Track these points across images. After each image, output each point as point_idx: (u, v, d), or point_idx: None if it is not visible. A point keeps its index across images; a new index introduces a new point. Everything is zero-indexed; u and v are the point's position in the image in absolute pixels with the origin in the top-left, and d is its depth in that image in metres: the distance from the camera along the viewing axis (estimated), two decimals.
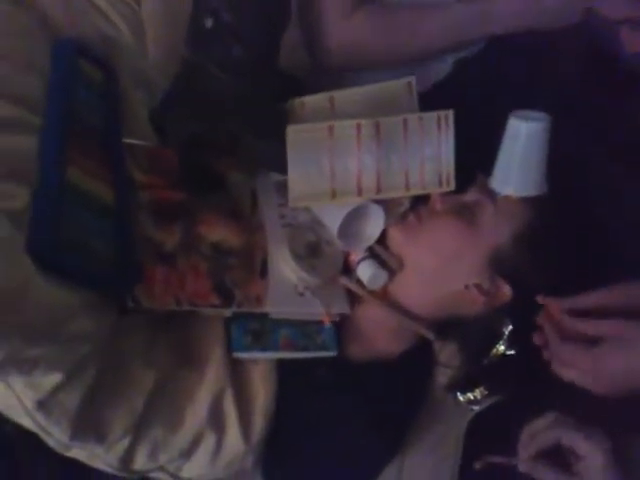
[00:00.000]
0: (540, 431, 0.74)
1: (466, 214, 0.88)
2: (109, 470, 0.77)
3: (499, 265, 0.87)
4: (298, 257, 0.86)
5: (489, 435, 0.90)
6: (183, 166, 0.90)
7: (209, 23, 0.91)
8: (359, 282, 0.89)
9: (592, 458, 0.70)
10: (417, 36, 0.98)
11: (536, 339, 0.78)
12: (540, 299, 0.79)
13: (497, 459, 0.78)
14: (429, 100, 0.96)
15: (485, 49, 1.04)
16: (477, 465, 0.80)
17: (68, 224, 0.73)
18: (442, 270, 0.88)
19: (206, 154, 0.92)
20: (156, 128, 0.91)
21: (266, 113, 0.93)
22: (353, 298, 0.90)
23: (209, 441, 0.79)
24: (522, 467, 0.74)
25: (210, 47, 0.91)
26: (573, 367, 0.73)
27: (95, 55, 0.89)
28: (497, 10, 0.97)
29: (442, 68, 1.06)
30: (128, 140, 0.87)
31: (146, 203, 0.84)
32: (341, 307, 0.88)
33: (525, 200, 0.88)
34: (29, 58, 0.80)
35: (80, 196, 0.77)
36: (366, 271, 0.88)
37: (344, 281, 0.89)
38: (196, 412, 0.79)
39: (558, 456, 0.73)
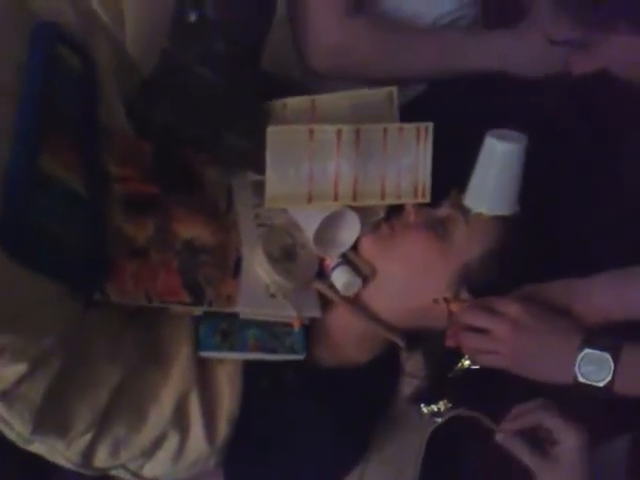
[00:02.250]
0: (526, 411, 0.78)
1: (438, 229, 0.88)
2: (69, 466, 0.75)
3: (467, 280, 0.88)
4: (273, 260, 0.86)
5: (450, 446, 0.91)
6: (159, 159, 0.88)
7: (193, 17, 0.90)
8: (332, 287, 0.89)
9: (569, 443, 0.74)
10: (416, 56, 0.99)
11: (448, 342, 0.84)
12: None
13: (478, 415, 0.82)
14: (408, 112, 0.96)
15: None
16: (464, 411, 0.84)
17: (37, 212, 0.71)
18: (412, 282, 0.89)
19: (183, 149, 0.91)
20: (133, 118, 0.89)
21: (246, 111, 0.93)
22: (324, 302, 0.89)
23: (172, 441, 0.77)
24: (500, 438, 0.78)
25: (192, 42, 0.90)
26: (488, 354, 0.79)
27: (73, 41, 0.87)
28: (486, 44, 0.98)
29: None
30: (104, 131, 0.85)
31: (119, 196, 0.82)
32: (312, 311, 0.88)
33: (497, 218, 0.89)
34: (5, 43, 0.78)
35: (51, 185, 0.75)
36: (341, 277, 0.88)
37: (318, 286, 0.88)
38: (160, 411, 0.77)
39: (535, 440, 0.77)
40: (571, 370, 0.75)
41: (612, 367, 0.74)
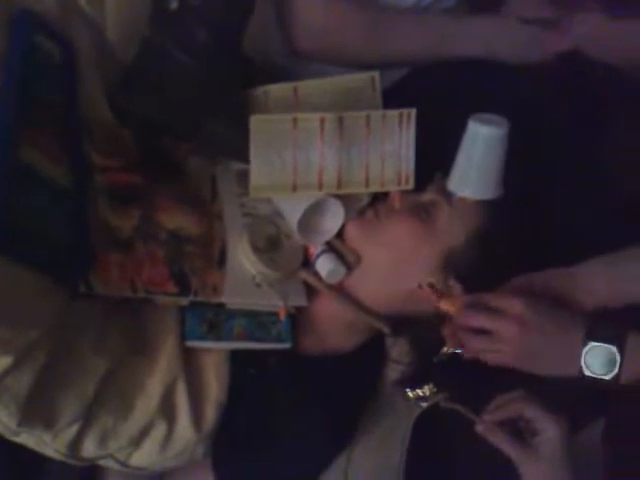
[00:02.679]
0: (506, 402, 0.79)
1: (422, 214, 0.89)
2: (57, 457, 0.75)
3: (453, 265, 0.88)
4: (258, 250, 0.86)
5: (436, 431, 0.92)
6: (142, 149, 0.88)
7: (174, 5, 0.90)
8: (317, 275, 0.89)
9: (549, 433, 0.75)
10: (396, 39, 0.98)
11: (450, 344, 0.83)
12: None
13: (459, 407, 0.82)
14: (390, 97, 0.96)
15: None
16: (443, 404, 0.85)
17: (20, 204, 0.71)
18: (397, 268, 0.89)
19: (166, 138, 0.90)
20: (115, 108, 0.89)
21: (228, 100, 0.92)
22: (310, 290, 0.90)
23: (159, 430, 0.78)
24: (480, 428, 0.78)
25: (174, 30, 0.90)
26: (492, 353, 0.78)
27: (53, 30, 0.86)
28: (471, 30, 0.97)
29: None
30: (85, 120, 0.84)
31: (103, 186, 0.82)
32: (298, 299, 0.88)
33: (481, 202, 0.89)
34: None
35: (34, 176, 0.74)
36: (325, 265, 0.88)
37: (303, 274, 0.89)
38: (147, 400, 0.77)
39: (516, 430, 0.77)
40: (577, 364, 0.75)
41: (619, 359, 0.74)
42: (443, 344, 0.89)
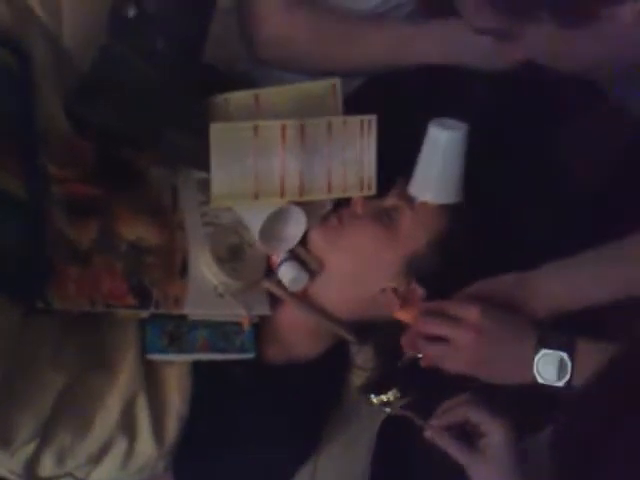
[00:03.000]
0: (452, 406, 0.80)
1: (384, 218, 0.89)
2: (12, 478, 0.74)
3: (416, 270, 0.89)
4: (220, 261, 0.85)
5: (400, 436, 0.92)
6: (100, 159, 0.86)
7: (131, 12, 0.88)
8: (280, 283, 0.89)
9: (494, 435, 0.76)
10: (355, 46, 0.97)
11: (406, 350, 0.83)
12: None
13: (410, 414, 0.83)
14: (351, 104, 0.96)
15: None
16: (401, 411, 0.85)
17: None
18: (360, 272, 0.89)
19: (125, 148, 0.89)
20: (72, 117, 0.87)
21: (188, 108, 0.91)
22: (273, 299, 0.89)
23: (120, 446, 0.77)
24: (428, 433, 0.79)
25: (131, 37, 0.88)
26: (448, 361, 0.79)
27: (7, 38, 0.85)
28: (429, 35, 0.96)
29: None
30: (42, 130, 0.83)
31: (60, 198, 0.80)
32: (261, 309, 0.88)
33: (442, 207, 0.90)
34: None
35: None
36: (288, 273, 0.88)
37: (266, 284, 0.88)
38: (107, 417, 0.77)
39: (463, 434, 0.79)
40: (530, 372, 0.76)
41: (569, 365, 0.75)
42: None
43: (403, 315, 0.85)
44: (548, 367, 0.75)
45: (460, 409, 0.79)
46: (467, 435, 0.78)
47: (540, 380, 0.75)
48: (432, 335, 0.80)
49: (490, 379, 0.78)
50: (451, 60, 0.97)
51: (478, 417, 0.77)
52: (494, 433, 0.75)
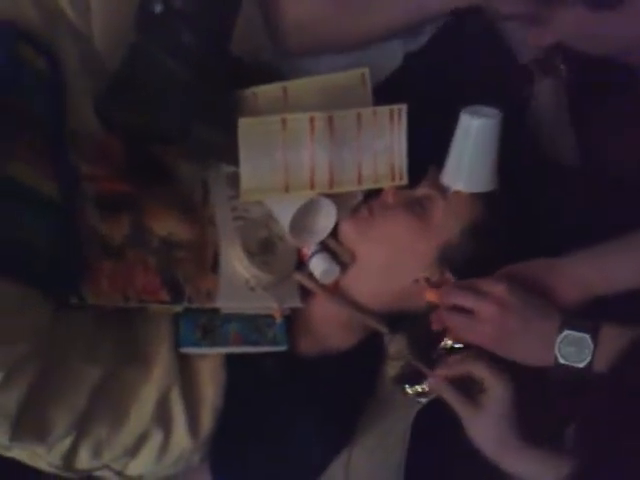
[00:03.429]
0: (457, 360, 0.82)
1: (417, 208, 0.88)
2: (52, 470, 0.76)
3: (448, 259, 0.87)
4: (251, 255, 0.85)
5: (435, 427, 0.92)
6: (130, 156, 0.87)
7: (158, 8, 0.88)
8: (311, 276, 0.89)
9: (496, 391, 0.77)
10: (380, 10, 0.95)
11: (434, 325, 0.83)
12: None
13: (417, 364, 0.86)
14: (381, 93, 0.95)
15: (435, 41, 1.03)
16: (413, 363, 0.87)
17: (7, 218, 0.71)
18: (392, 263, 0.88)
19: (155, 144, 0.90)
20: (102, 116, 0.88)
21: (217, 103, 0.91)
22: (305, 292, 0.89)
23: (155, 439, 0.78)
24: (431, 382, 0.82)
25: (159, 33, 0.89)
26: (471, 333, 0.80)
27: (37, 40, 0.86)
28: None
29: (393, 61, 1.04)
30: (73, 130, 0.84)
31: (92, 195, 0.81)
32: (293, 301, 0.88)
33: (475, 195, 0.88)
34: None
35: (21, 189, 0.74)
36: (319, 265, 0.88)
37: (297, 277, 0.88)
38: (142, 410, 0.78)
39: (465, 388, 0.81)
40: (551, 352, 0.76)
41: (592, 348, 0.74)
42: (440, 339, 0.88)
43: (433, 296, 0.85)
44: (570, 348, 0.75)
45: (465, 363, 0.81)
46: (468, 391, 0.80)
47: (561, 360, 0.75)
48: (457, 306, 0.81)
49: (510, 356, 0.79)
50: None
51: (481, 372, 0.79)
52: (496, 389, 0.77)
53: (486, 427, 0.77)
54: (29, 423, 0.71)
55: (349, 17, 0.97)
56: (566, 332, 0.75)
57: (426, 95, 0.95)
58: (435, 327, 0.84)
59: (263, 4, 0.99)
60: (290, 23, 0.96)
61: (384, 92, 0.95)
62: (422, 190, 0.90)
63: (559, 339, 0.75)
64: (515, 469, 0.77)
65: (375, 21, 0.98)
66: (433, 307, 0.86)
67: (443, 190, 0.89)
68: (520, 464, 0.76)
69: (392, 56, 1.03)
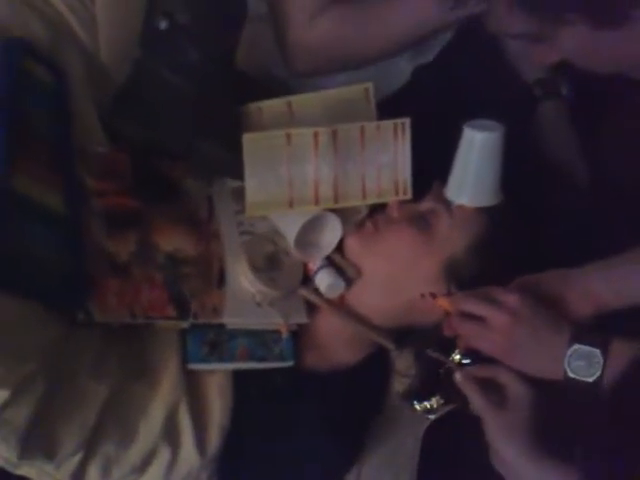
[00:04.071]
0: (486, 367, 0.81)
1: (421, 222, 0.88)
2: None
3: (454, 274, 0.87)
4: (257, 270, 0.85)
5: (445, 443, 0.91)
6: (137, 172, 0.87)
7: (163, 25, 0.89)
8: (317, 291, 0.89)
9: (518, 395, 0.76)
10: (389, 27, 0.96)
11: (446, 331, 0.83)
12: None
13: (439, 356, 0.85)
14: (388, 108, 0.95)
15: (442, 55, 1.04)
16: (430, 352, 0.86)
17: (13, 234, 0.71)
18: (398, 278, 0.88)
19: (160, 160, 0.90)
20: (108, 131, 0.89)
21: (221, 118, 0.92)
22: (311, 307, 0.89)
23: (163, 456, 0.77)
24: (459, 377, 0.80)
25: (164, 50, 0.89)
26: (482, 341, 0.79)
27: (44, 56, 0.86)
28: None
29: (401, 76, 1.05)
30: (79, 145, 0.84)
31: (99, 211, 0.81)
32: (299, 317, 0.87)
33: (480, 209, 0.88)
34: None
35: (28, 205, 0.74)
36: (324, 280, 0.88)
37: (303, 292, 0.88)
38: (150, 426, 0.77)
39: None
40: (561, 365, 0.75)
41: (601, 362, 0.74)
42: (448, 354, 0.88)
43: (445, 303, 0.84)
44: (579, 362, 0.74)
45: (492, 368, 0.80)
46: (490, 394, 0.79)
47: (570, 374, 0.74)
48: (469, 313, 0.80)
49: (520, 367, 0.78)
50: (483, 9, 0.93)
51: (506, 376, 0.78)
52: (519, 392, 0.76)
53: (507, 431, 0.75)
54: (38, 440, 0.71)
55: (358, 41, 0.97)
56: (576, 346, 0.75)
57: (434, 109, 0.96)
58: (446, 333, 0.83)
59: (274, 28, 0.99)
60: (300, 48, 0.97)
61: (393, 106, 0.95)
62: (426, 204, 0.90)
63: (569, 353, 0.75)
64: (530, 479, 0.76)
65: (384, 42, 0.98)
66: (442, 321, 0.86)
67: (447, 204, 0.89)
68: (536, 474, 0.75)
69: (399, 72, 1.04)
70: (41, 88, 0.84)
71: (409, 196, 0.92)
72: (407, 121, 0.90)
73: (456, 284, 0.87)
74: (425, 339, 0.90)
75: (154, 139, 0.88)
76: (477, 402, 0.77)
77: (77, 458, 0.73)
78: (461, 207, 0.88)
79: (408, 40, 0.98)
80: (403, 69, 1.04)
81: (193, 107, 0.89)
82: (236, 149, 0.86)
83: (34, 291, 0.71)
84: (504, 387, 0.78)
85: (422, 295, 0.87)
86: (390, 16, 0.96)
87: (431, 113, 0.96)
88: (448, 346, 0.88)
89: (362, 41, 0.97)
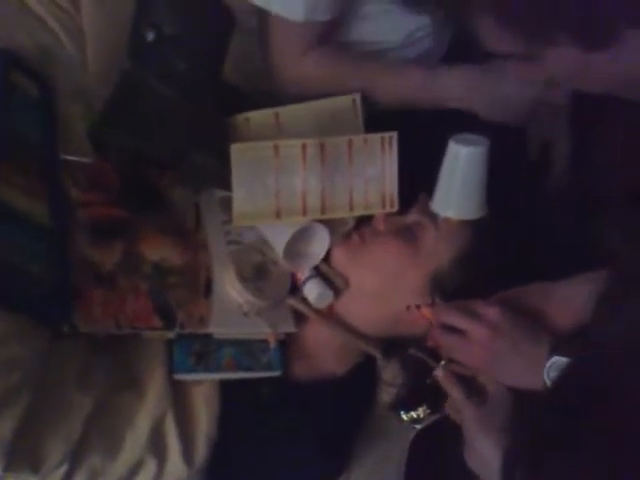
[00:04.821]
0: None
1: (407, 235, 0.89)
2: None
3: (440, 286, 0.88)
4: (244, 280, 0.85)
5: (431, 453, 0.91)
6: (124, 182, 0.87)
7: (150, 36, 0.89)
8: (305, 301, 0.89)
9: (497, 394, 0.79)
10: (373, 90, 0.97)
11: (429, 343, 0.84)
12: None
13: (423, 356, 0.86)
14: (376, 120, 0.96)
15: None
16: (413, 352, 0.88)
17: None
18: (384, 290, 0.89)
19: (147, 170, 0.90)
20: (95, 143, 0.88)
21: (209, 129, 0.92)
22: (299, 317, 0.89)
23: (150, 467, 0.77)
24: (438, 372, 0.82)
25: (151, 61, 0.89)
26: (459, 352, 0.81)
27: (30, 67, 0.86)
28: (447, 84, 0.96)
29: None
30: (65, 156, 0.84)
31: (84, 222, 0.81)
32: (287, 326, 0.88)
33: (465, 222, 0.89)
34: None
35: (11, 215, 0.74)
36: (313, 290, 0.88)
37: (291, 302, 0.88)
38: (136, 437, 0.76)
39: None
40: (540, 376, 0.76)
41: None
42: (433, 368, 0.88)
43: (427, 314, 0.86)
44: (558, 374, 0.75)
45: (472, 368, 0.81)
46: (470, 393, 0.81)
47: (549, 385, 0.75)
48: (450, 325, 0.81)
49: (500, 379, 0.80)
50: (467, 107, 0.96)
51: (487, 378, 0.79)
52: (498, 391, 0.78)
53: (485, 425, 0.77)
54: (23, 453, 0.70)
55: (348, 79, 0.98)
56: (555, 358, 0.75)
57: (429, 118, 0.96)
58: (429, 344, 0.85)
59: (264, 56, 1.00)
60: (291, 78, 0.98)
61: (375, 121, 0.96)
62: (412, 217, 0.90)
63: (548, 364, 0.75)
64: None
65: (371, 96, 0.98)
66: (427, 333, 0.86)
67: (433, 217, 0.89)
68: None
69: None
70: (27, 100, 0.84)
71: (396, 209, 0.93)
72: (394, 135, 0.91)
73: (441, 296, 0.88)
74: (412, 349, 0.90)
75: (142, 148, 0.88)
76: (457, 396, 0.79)
77: (62, 470, 0.73)
78: (447, 220, 0.89)
79: (391, 105, 0.99)
80: None
81: (181, 117, 0.89)
82: (225, 159, 0.86)
83: (19, 303, 0.70)
84: (483, 386, 0.79)
85: (408, 307, 0.88)
86: (379, 83, 0.97)
87: (416, 125, 0.97)
88: (433, 357, 0.89)
89: (351, 80, 0.98)
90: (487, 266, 0.88)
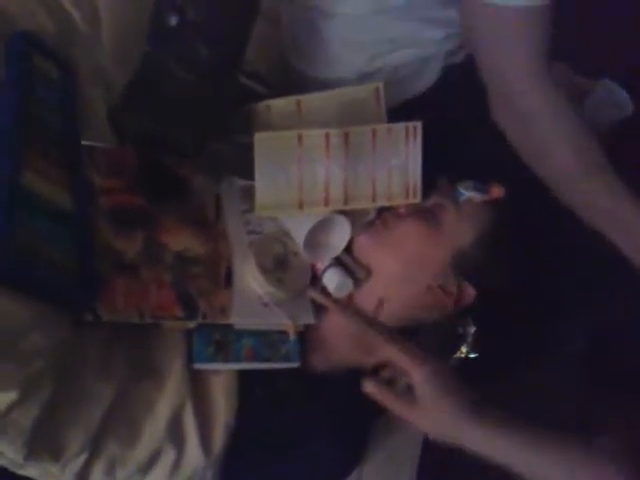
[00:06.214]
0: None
1: (429, 216, 0.89)
2: None
3: (462, 266, 0.88)
4: (265, 270, 0.85)
5: (445, 446, 0.91)
6: (145, 170, 0.87)
7: (173, 21, 0.88)
8: (324, 291, 0.88)
9: (414, 377, 0.73)
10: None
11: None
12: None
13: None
14: (415, 106, 0.94)
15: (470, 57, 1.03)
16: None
17: (22, 231, 0.69)
18: (407, 272, 0.88)
19: (168, 157, 0.89)
20: (116, 128, 0.88)
21: (231, 116, 0.91)
22: (318, 307, 0.89)
23: (168, 456, 0.77)
24: (367, 386, 0.75)
25: (174, 46, 0.88)
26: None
27: (51, 50, 0.85)
28: None
29: (432, 75, 1.03)
30: (86, 142, 0.83)
31: (106, 209, 0.80)
32: (306, 317, 0.87)
33: (487, 203, 0.89)
34: None
35: (36, 202, 0.73)
36: (332, 279, 0.88)
37: (311, 293, 0.88)
38: (155, 426, 0.76)
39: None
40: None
41: None
42: (455, 348, 0.88)
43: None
44: None
45: (385, 351, 0.75)
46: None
47: None
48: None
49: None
50: None
51: (399, 361, 0.74)
52: (413, 375, 0.73)
53: (424, 417, 0.73)
54: (44, 441, 0.70)
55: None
56: None
57: (461, 108, 0.95)
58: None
59: (485, 77, 0.89)
60: (508, 114, 0.89)
61: (419, 104, 0.94)
62: (433, 199, 0.91)
63: None
64: (479, 447, 0.73)
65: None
66: (444, 319, 0.85)
67: (454, 199, 0.90)
68: (481, 439, 0.72)
69: (430, 71, 1.03)
70: (49, 83, 0.83)
71: (419, 199, 0.92)
72: (419, 124, 0.90)
73: (464, 276, 0.88)
74: (432, 333, 0.90)
75: (162, 135, 0.87)
76: (395, 409, 0.75)
77: (82, 458, 0.73)
78: (468, 201, 0.89)
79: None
80: (434, 68, 1.03)
81: (203, 103, 0.88)
82: (245, 147, 0.85)
83: (43, 290, 0.70)
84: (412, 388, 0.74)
85: (429, 287, 0.88)
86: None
87: (457, 111, 0.95)
88: (454, 340, 0.88)
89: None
90: (509, 246, 0.88)
